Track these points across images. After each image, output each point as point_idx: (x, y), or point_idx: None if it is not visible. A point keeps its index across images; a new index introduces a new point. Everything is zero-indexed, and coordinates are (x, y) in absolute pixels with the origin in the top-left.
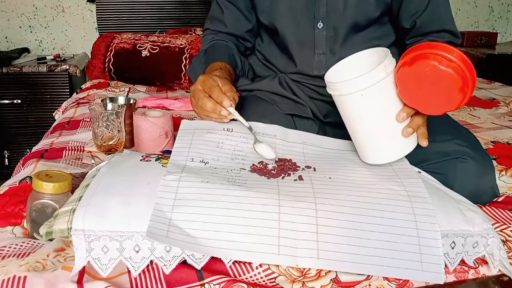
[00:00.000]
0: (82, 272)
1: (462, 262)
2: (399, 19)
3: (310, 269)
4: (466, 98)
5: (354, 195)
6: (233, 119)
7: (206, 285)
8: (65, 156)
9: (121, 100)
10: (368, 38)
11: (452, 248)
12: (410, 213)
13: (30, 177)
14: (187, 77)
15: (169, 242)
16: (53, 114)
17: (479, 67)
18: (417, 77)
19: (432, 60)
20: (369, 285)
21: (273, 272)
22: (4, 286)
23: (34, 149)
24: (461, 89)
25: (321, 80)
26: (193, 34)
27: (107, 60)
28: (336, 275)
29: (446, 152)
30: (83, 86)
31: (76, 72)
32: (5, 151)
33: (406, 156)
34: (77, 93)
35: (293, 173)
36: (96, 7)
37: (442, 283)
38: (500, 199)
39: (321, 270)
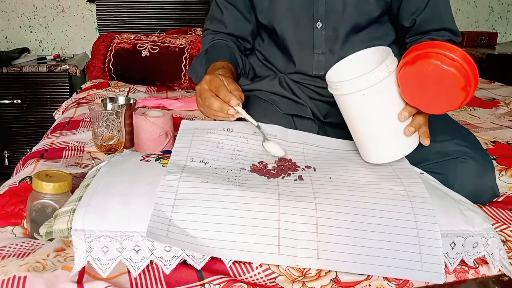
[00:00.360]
0: (82, 272)
1: (462, 262)
2: (399, 17)
3: (310, 269)
4: (469, 97)
5: (354, 195)
6: (240, 118)
7: (206, 285)
8: (65, 156)
9: (121, 100)
10: (368, 38)
11: (452, 248)
12: (410, 213)
13: (30, 177)
14: (187, 77)
15: (169, 242)
16: (53, 114)
17: (479, 67)
18: (419, 76)
19: (435, 59)
20: (369, 285)
21: (273, 272)
22: (4, 286)
23: (34, 149)
24: (464, 88)
25: (321, 80)
26: (193, 34)
27: (107, 60)
28: (336, 275)
29: (446, 152)
30: (83, 86)
31: (76, 72)
32: (5, 151)
33: (406, 156)
34: (77, 93)
35: (293, 173)
36: (96, 7)
37: (442, 283)
38: (500, 199)
39: (321, 270)
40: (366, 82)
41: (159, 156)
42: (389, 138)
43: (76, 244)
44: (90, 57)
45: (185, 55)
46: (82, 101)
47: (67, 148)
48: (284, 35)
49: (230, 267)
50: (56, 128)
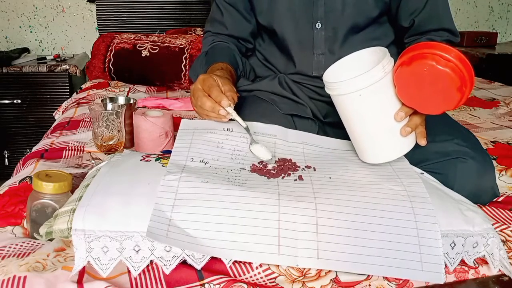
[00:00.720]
0: (82, 272)
1: (462, 262)
2: (397, 18)
3: (310, 269)
4: (464, 97)
5: (354, 195)
6: (232, 119)
7: (206, 285)
8: (65, 156)
9: (121, 100)
10: (367, 38)
11: (452, 248)
12: (410, 213)
13: (30, 177)
14: (187, 77)
15: (169, 242)
16: (53, 114)
17: (479, 67)
18: (415, 76)
19: (430, 60)
20: (369, 285)
21: (273, 272)
22: (4, 286)
23: (34, 149)
24: (459, 88)
25: (321, 81)
26: (193, 34)
27: (107, 60)
28: (336, 275)
29: (446, 152)
30: (83, 86)
31: (76, 72)
32: (5, 151)
33: (406, 156)
34: (77, 93)
35: (293, 173)
36: (96, 7)
37: (442, 283)
38: (500, 199)
39: (321, 270)
40: (363, 82)
41: (159, 156)
42: (385, 138)
43: (76, 244)
44: (90, 57)
45: (185, 55)
46: (82, 101)
47: (67, 148)
48: (284, 36)
49: (230, 267)
50: (56, 128)
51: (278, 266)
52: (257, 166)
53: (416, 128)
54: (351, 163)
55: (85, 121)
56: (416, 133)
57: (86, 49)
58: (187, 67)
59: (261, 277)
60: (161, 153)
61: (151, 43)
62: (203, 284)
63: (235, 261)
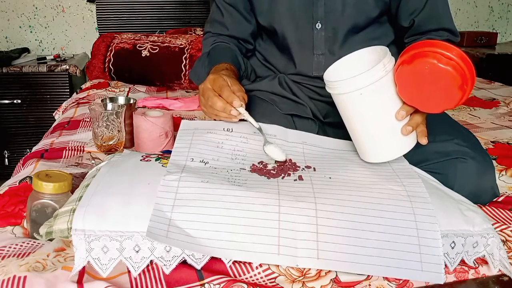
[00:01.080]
0: (82, 272)
1: (462, 262)
2: (397, 18)
3: (310, 269)
4: (465, 96)
5: (354, 195)
6: (242, 119)
7: (206, 285)
8: (65, 156)
9: (121, 100)
10: (367, 38)
11: (452, 248)
12: (410, 213)
13: (30, 177)
14: (187, 77)
15: (169, 242)
16: (53, 114)
17: (479, 67)
18: (416, 75)
19: (431, 58)
20: (369, 285)
21: (273, 272)
22: (4, 286)
23: (34, 149)
24: (460, 87)
25: (321, 81)
26: (193, 34)
27: (107, 60)
28: (336, 275)
29: (446, 152)
30: (83, 86)
31: (76, 72)
32: (5, 151)
33: (406, 156)
34: (77, 93)
35: (293, 173)
36: (96, 7)
37: (442, 283)
38: (500, 199)
39: (321, 270)
40: (364, 81)
41: (159, 156)
42: (386, 137)
43: (76, 244)
44: (90, 57)
45: (185, 55)
46: (82, 101)
47: (67, 148)
48: (284, 36)
49: (230, 267)
50: (56, 128)
51: (278, 266)
52: (257, 166)
53: (417, 127)
54: (351, 163)
55: (85, 121)
56: (417, 132)
57: (86, 49)
58: (187, 67)
59: (261, 277)
60: (161, 153)
61: (151, 43)
62: (203, 284)
63: (235, 261)
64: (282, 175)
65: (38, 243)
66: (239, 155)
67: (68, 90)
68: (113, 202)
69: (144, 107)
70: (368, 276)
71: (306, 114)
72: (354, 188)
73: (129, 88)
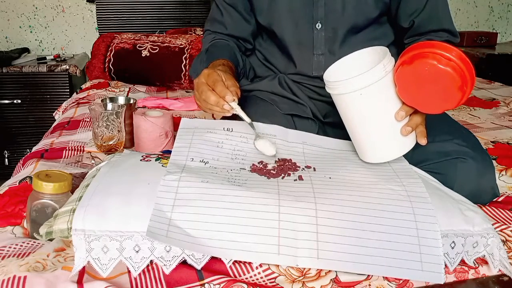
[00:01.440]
0: (82, 272)
1: (462, 262)
2: (397, 18)
3: (310, 269)
4: (465, 96)
5: (354, 195)
6: (236, 115)
7: (206, 285)
8: (65, 156)
9: (121, 100)
10: (367, 39)
11: (452, 248)
12: (410, 213)
13: (30, 177)
14: (187, 77)
15: (169, 242)
16: (53, 114)
17: (479, 67)
18: (416, 76)
19: (431, 59)
20: (369, 285)
21: (273, 272)
22: (4, 286)
23: (34, 149)
24: (460, 87)
25: (321, 81)
26: (193, 34)
27: (107, 60)
28: (336, 275)
29: (446, 152)
30: (83, 86)
31: (76, 72)
32: (5, 151)
33: (406, 156)
34: (77, 93)
35: (293, 173)
36: (96, 7)
37: (442, 283)
38: (500, 199)
39: (321, 270)
40: (363, 81)
41: (159, 156)
42: (386, 137)
43: (76, 244)
44: (90, 57)
45: (185, 55)
46: (82, 101)
47: (67, 148)
48: (284, 36)
49: (230, 267)
50: (56, 128)
51: (278, 266)
52: (257, 166)
53: (417, 127)
54: (351, 163)
55: (85, 121)
56: (417, 133)
57: (86, 49)
58: (187, 67)
59: (261, 277)
60: (161, 153)
61: (151, 43)
62: (203, 284)
63: (235, 261)
64: (282, 175)
65: (38, 243)
66: (239, 155)
67: (68, 90)
68: (113, 202)
69: (144, 107)
70: (368, 276)
71: (306, 114)
72: (354, 188)
73: (129, 88)
